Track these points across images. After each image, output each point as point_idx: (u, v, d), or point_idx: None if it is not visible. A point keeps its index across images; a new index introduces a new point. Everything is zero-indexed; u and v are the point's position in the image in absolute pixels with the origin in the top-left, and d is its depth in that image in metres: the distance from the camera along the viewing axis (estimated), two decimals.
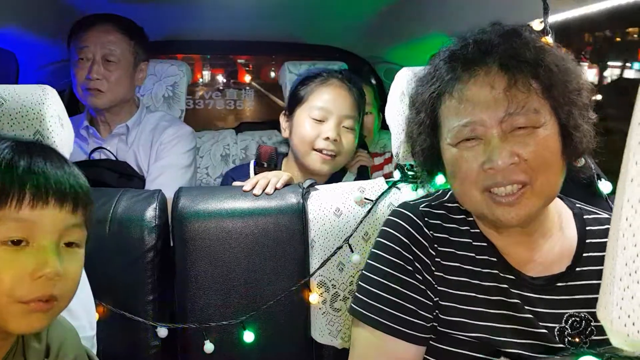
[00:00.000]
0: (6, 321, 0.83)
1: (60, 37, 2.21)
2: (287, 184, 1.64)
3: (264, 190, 1.59)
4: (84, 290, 1.31)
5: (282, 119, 2.04)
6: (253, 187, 1.60)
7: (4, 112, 1.28)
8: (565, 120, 1.08)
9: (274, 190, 1.60)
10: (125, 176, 2.07)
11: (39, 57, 2.51)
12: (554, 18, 1.43)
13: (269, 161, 1.82)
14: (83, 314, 1.27)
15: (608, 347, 0.83)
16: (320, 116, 1.89)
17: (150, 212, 1.52)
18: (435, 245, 1.18)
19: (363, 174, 2.19)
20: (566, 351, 1.10)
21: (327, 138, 1.86)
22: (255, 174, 1.91)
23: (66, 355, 1.01)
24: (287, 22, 2.64)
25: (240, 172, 2.08)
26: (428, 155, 1.20)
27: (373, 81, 2.93)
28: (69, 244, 0.89)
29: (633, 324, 0.48)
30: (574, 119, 1.08)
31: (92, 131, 2.19)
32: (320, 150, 1.88)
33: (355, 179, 2.08)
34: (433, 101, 1.14)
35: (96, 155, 2.14)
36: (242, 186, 1.62)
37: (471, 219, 1.21)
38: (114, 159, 2.13)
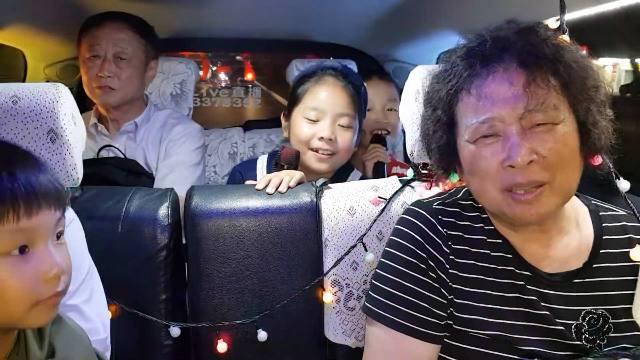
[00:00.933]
0: (27, 321, 0.87)
1: (69, 35, 2.21)
2: (299, 183, 1.63)
3: (277, 188, 1.58)
4: (97, 292, 1.31)
5: (283, 120, 2.04)
6: (266, 186, 1.59)
7: (17, 111, 1.27)
8: (584, 117, 1.07)
9: (287, 189, 1.59)
10: (134, 174, 2.06)
11: (47, 55, 2.51)
12: (569, 16, 1.42)
13: (287, 163, 1.81)
14: (95, 316, 1.27)
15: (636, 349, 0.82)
16: (315, 116, 1.88)
17: (163, 211, 1.51)
18: (449, 243, 1.18)
19: (379, 171, 2.17)
20: (596, 353, 1.09)
21: (322, 138, 1.86)
22: (270, 172, 1.90)
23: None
24: (296, 19, 2.63)
25: (248, 167, 2.07)
26: (444, 152, 1.20)
27: None
28: (57, 236, 0.92)
29: None
30: (592, 115, 1.08)
31: (101, 128, 2.18)
32: (316, 150, 1.88)
33: (361, 178, 2.07)
34: (450, 98, 1.14)
35: (104, 153, 2.13)
36: (255, 185, 1.61)
37: (485, 215, 1.21)
38: (122, 156, 2.13)
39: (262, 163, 2.06)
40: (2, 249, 0.83)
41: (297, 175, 1.65)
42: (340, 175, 2.00)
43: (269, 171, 1.98)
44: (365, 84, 2.20)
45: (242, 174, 2.03)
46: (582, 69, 1.08)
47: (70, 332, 1.05)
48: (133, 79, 2.11)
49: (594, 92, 1.08)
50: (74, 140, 1.33)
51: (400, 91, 1.62)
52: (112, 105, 2.11)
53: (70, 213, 1.31)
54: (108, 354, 1.30)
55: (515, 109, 1.04)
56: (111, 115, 2.17)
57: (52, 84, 1.32)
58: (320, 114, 1.88)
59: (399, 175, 2.34)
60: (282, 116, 2.06)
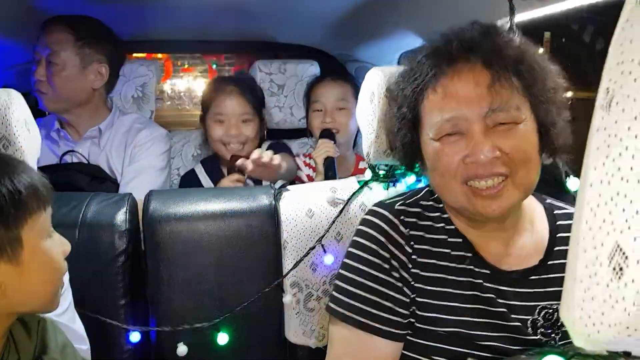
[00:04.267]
0: (57, 301, 1.01)
1: (25, 38, 2.17)
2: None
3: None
4: (72, 305, 1.33)
5: (202, 126, 2.42)
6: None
7: None
8: (544, 117, 1.11)
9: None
10: (98, 179, 2.05)
11: (3, 59, 2.46)
12: (519, 18, 1.46)
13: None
14: (76, 328, 1.31)
15: (571, 345, 0.85)
16: (221, 118, 2.27)
17: (121, 216, 1.51)
18: (412, 243, 1.20)
19: (329, 165, 2.22)
20: (531, 350, 1.12)
21: (231, 134, 2.24)
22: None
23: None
24: (258, 20, 2.63)
25: (190, 178, 2.38)
26: (408, 150, 1.22)
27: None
28: None
29: (593, 324, 0.50)
30: (551, 116, 1.12)
31: (63, 134, 2.15)
32: (229, 145, 2.26)
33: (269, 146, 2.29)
34: (416, 96, 1.16)
35: (68, 158, 2.11)
36: (213, 188, 1.63)
37: (446, 215, 1.23)
38: (85, 162, 2.11)
39: (200, 171, 2.37)
40: (46, 231, 0.97)
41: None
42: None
43: (213, 175, 2.33)
44: (318, 84, 2.46)
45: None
46: (543, 71, 1.11)
47: (59, 335, 1.10)
48: (64, 82, 2.04)
49: (553, 94, 1.12)
50: (28, 146, 1.31)
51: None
52: (51, 109, 2.09)
53: None
54: None
55: (480, 108, 1.07)
56: (66, 121, 2.14)
57: (3, 89, 1.30)
58: (225, 117, 2.27)
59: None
60: (200, 123, 2.46)
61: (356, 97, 2.43)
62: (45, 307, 1.00)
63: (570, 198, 1.37)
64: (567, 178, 1.38)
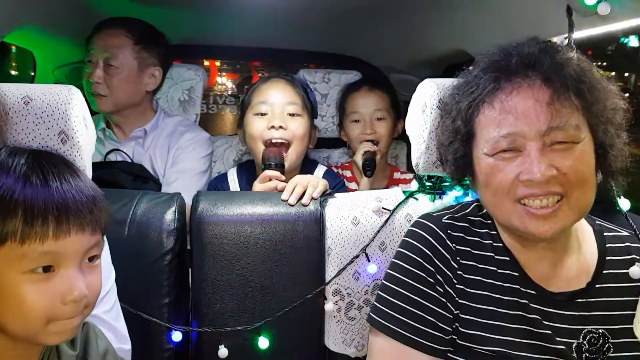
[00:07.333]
0: (43, 339, 0.88)
1: (79, 38, 2.22)
2: (323, 193, 1.65)
3: (299, 200, 1.60)
4: (117, 304, 1.34)
5: (239, 131, 2.15)
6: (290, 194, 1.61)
7: (29, 111, 1.28)
8: (602, 138, 1.09)
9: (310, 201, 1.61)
10: (141, 179, 2.08)
11: (57, 57, 2.52)
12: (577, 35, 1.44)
13: (274, 162, 1.90)
14: (119, 327, 1.31)
15: None
16: (264, 109, 1.98)
17: (170, 215, 1.53)
18: (458, 258, 1.18)
19: (371, 164, 2.24)
20: None
21: (273, 126, 1.94)
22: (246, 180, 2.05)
23: None
24: (304, 30, 2.65)
25: (221, 180, 2.17)
26: (460, 164, 1.20)
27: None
28: (91, 259, 0.92)
29: None
30: (610, 137, 1.09)
31: (109, 133, 2.19)
32: (270, 141, 1.95)
33: (325, 172, 2.16)
34: (471, 110, 1.14)
35: (112, 157, 2.15)
36: (265, 191, 1.63)
37: (494, 232, 1.21)
38: (129, 161, 2.14)
39: (232, 175, 2.17)
40: (25, 267, 0.84)
41: (320, 185, 1.66)
42: (305, 171, 2.07)
43: (243, 181, 2.11)
44: (354, 94, 2.39)
45: (217, 188, 2.12)
46: (604, 91, 1.09)
47: (100, 341, 1.08)
48: (122, 85, 2.09)
49: (612, 114, 1.10)
50: (85, 142, 1.34)
51: (404, 102, 1.63)
52: (106, 111, 2.12)
53: None
54: None
55: (538, 124, 1.05)
56: (114, 121, 2.19)
57: (64, 85, 1.33)
58: (269, 106, 1.99)
59: (402, 181, 2.38)
60: (237, 129, 2.18)
61: (395, 107, 2.44)
62: (28, 338, 0.88)
63: (619, 219, 1.35)
64: (618, 198, 1.36)
